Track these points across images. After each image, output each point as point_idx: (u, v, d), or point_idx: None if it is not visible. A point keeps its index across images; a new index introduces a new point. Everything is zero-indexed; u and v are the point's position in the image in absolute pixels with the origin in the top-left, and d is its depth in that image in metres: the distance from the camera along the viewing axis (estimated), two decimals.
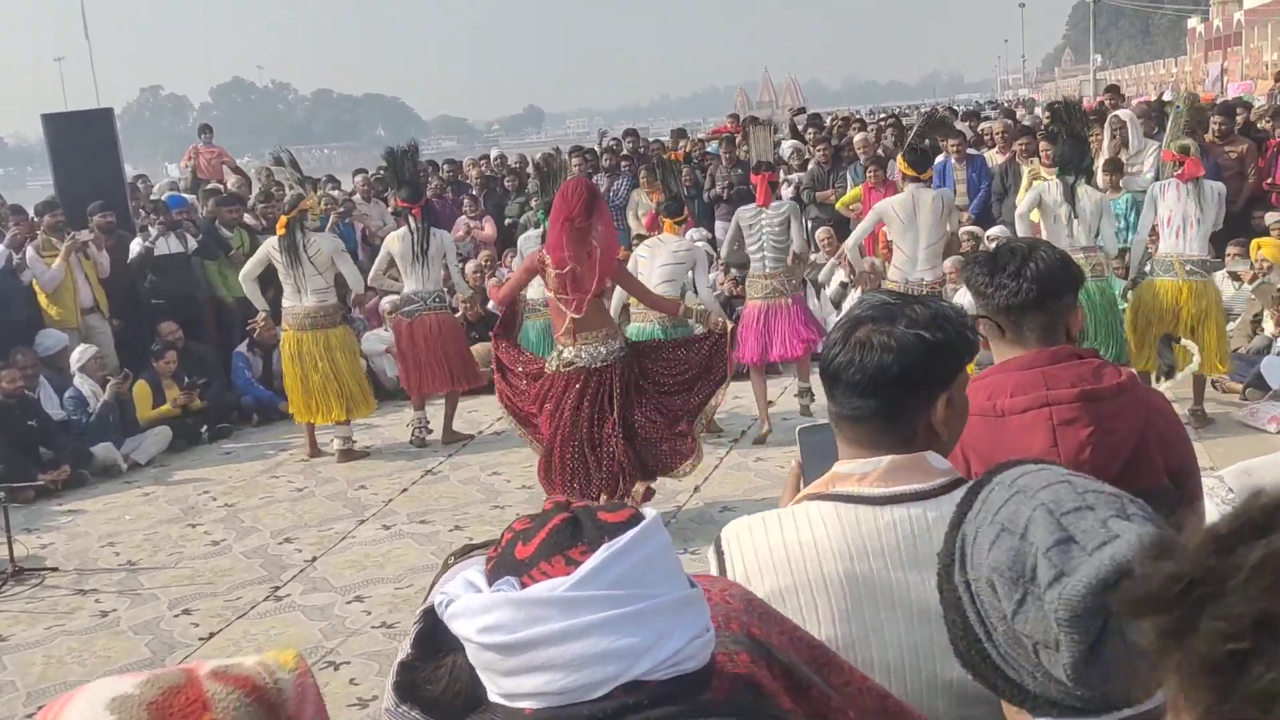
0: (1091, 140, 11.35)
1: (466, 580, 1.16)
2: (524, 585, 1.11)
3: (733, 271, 9.89)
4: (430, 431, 8.66)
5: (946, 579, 1.20)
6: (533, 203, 11.00)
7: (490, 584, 1.13)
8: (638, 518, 1.16)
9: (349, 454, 8.47)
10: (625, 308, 8.06)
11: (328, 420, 8.49)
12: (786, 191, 12.06)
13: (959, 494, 1.39)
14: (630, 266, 8.09)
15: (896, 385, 1.68)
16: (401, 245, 8.47)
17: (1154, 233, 7.88)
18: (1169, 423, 2.47)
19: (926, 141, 10.46)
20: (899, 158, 8.50)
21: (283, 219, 8.36)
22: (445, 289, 8.88)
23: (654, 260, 7.81)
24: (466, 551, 1.48)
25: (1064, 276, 2.47)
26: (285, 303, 8.41)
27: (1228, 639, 0.66)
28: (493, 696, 1.16)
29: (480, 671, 1.15)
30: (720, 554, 1.75)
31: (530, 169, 12.90)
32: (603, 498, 6.03)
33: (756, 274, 8.18)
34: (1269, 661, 0.65)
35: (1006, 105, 27.47)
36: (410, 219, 8.53)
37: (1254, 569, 0.67)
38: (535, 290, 7.75)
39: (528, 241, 8.71)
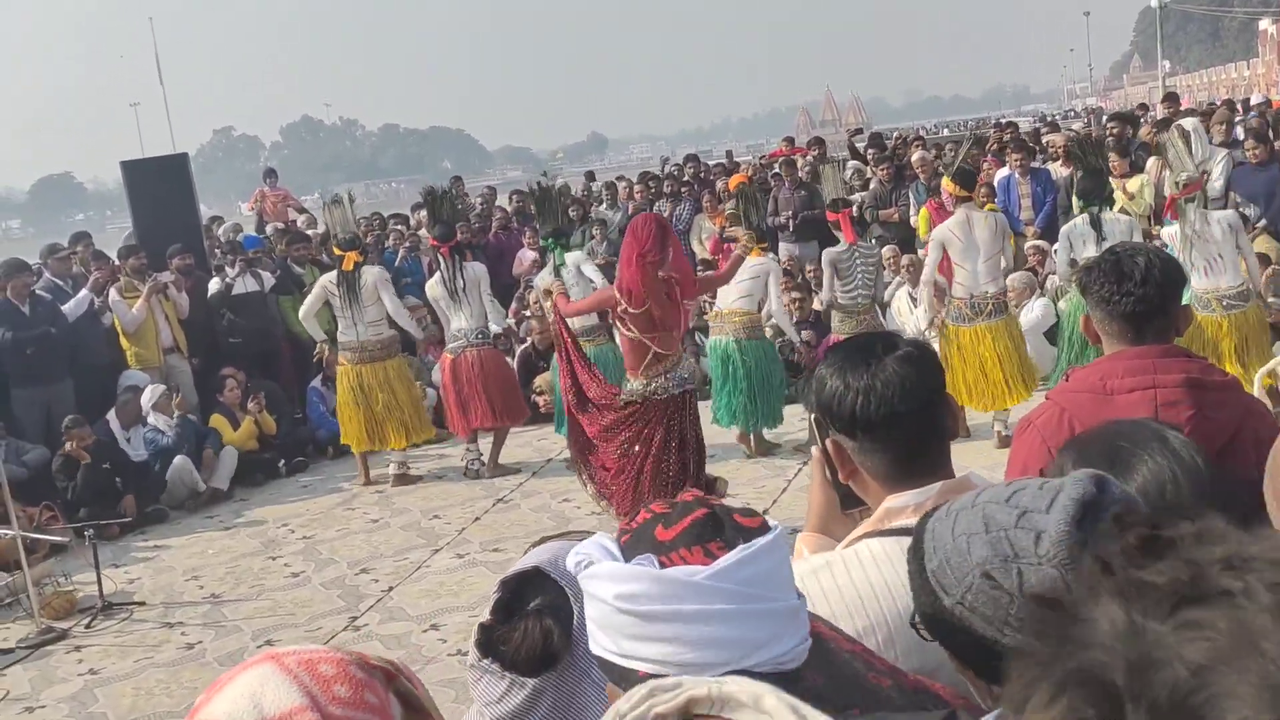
0: (1156, 151, 11.25)
1: (602, 546, 1.28)
2: (662, 565, 1.23)
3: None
4: (482, 463, 8.77)
5: (937, 614, 1.31)
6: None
7: (626, 556, 1.25)
8: (766, 528, 1.28)
9: (404, 479, 8.80)
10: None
11: (392, 447, 8.80)
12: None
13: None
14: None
15: (923, 404, 1.76)
16: (437, 288, 8.67)
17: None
18: (1266, 425, 2.57)
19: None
20: (945, 179, 8.66)
21: (353, 255, 8.61)
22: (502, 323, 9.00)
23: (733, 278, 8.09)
24: (543, 540, 1.66)
25: (1179, 278, 2.70)
26: (342, 337, 8.73)
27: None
28: (601, 652, 1.27)
29: (601, 629, 1.26)
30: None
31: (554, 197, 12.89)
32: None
33: (849, 310, 8.30)
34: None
35: (1051, 118, 27.21)
36: (439, 258, 8.71)
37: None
38: (577, 320, 7.97)
39: (543, 279, 8.74)
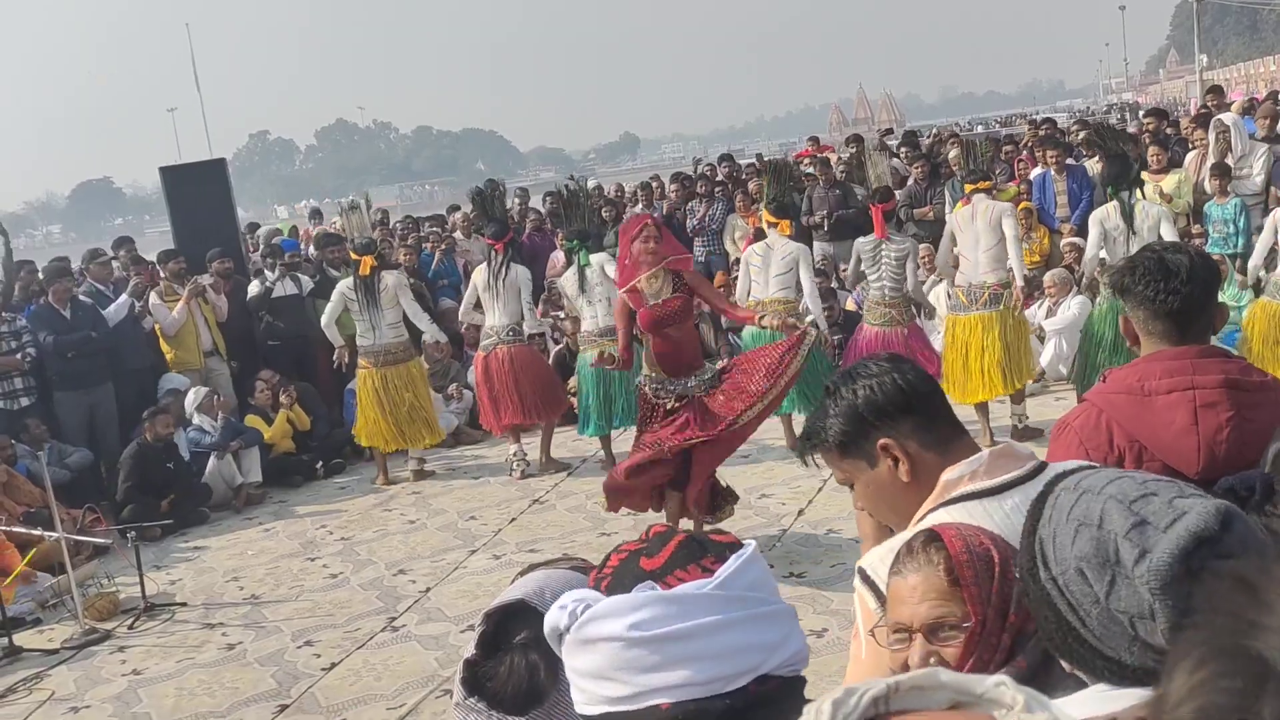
0: (1196, 145, 11.14)
1: (576, 597, 1.27)
2: (664, 588, 1.23)
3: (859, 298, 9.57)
4: (528, 464, 8.80)
5: (1033, 580, 1.33)
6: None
7: (626, 586, 1.25)
8: (739, 544, 1.30)
9: (421, 474, 9.08)
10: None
11: (419, 446, 9.03)
12: None
13: (1047, 474, 1.66)
14: (743, 273, 8.39)
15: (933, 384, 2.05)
16: (482, 277, 8.77)
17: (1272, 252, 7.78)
18: None
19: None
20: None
21: (369, 259, 8.77)
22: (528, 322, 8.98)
23: (768, 270, 8.27)
24: (531, 568, 1.64)
25: (1218, 277, 2.74)
26: (361, 341, 8.90)
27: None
28: (606, 705, 1.23)
29: (604, 678, 1.23)
30: (870, 583, 1.88)
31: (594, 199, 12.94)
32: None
33: (876, 301, 8.27)
34: None
35: (1080, 115, 27.04)
36: (493, 254, 8.79)
37: None
38: (590, 322, 8.31)
39: (566, 283, 8.79)
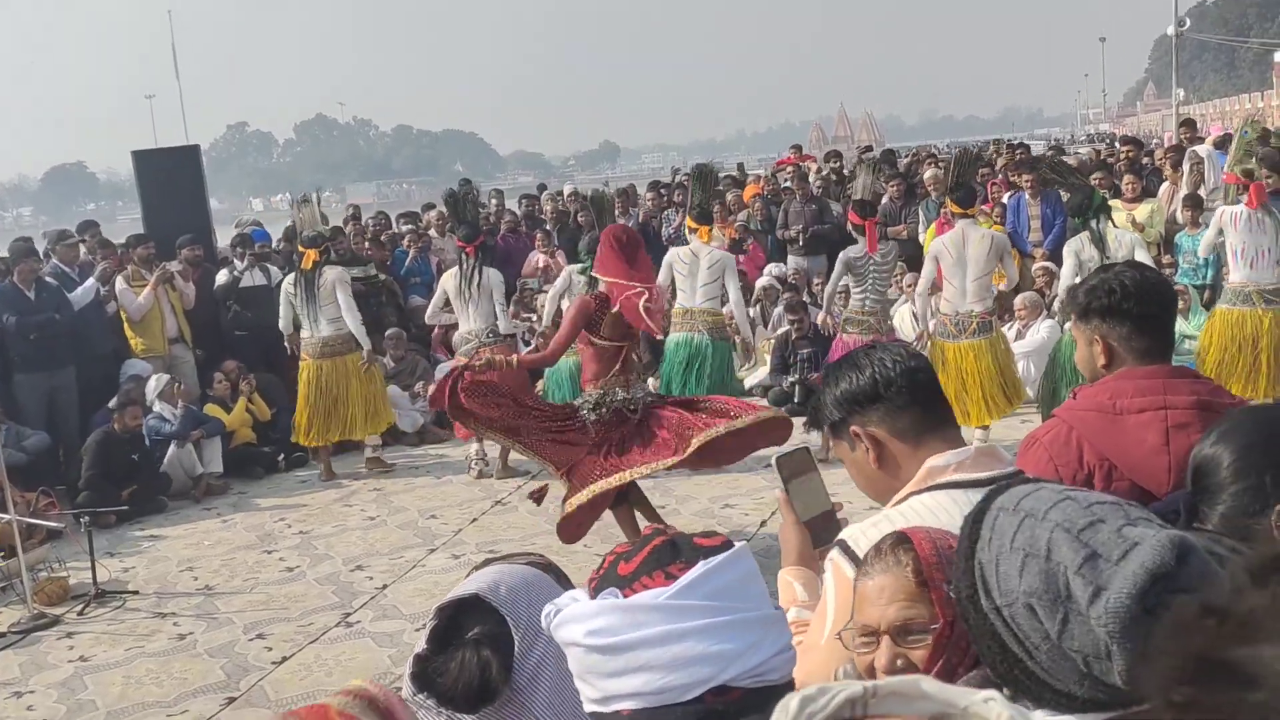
0: (1169, 178, 11.24)
1: (573, 597, 1.28)
2: (626, 596, 1.22)
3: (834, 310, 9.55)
4: (486, 464, 8.75)
5: (973, 607, 1.26)
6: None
7: (594, 597, 1.25)
8: (729, 544, 1.28)
9: (378, 462, 9.12)
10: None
11: (356, 438, 9.08)
12: None
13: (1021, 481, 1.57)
14: (665, 271, 8.44)
15: (932, 374, 2.05)
16: (454, 283, 8.71)
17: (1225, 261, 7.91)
18: None
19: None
20: (946, 198, 8.71)
21: (313, 254, 8.78)
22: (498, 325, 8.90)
23: (695, 276, 8.40)
24: (487, 562, 1.60)
25: (1175, 298, 2.83)
26: (303, 334, 8.89)
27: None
28: (588, 706, 1.25)
29: (580, 679, 1.25)
30: (849, 553, 1.88)
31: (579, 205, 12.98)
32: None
33: (857, 310, 8.25)
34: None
35: (1056, 141, 27.28)
36: (463, 256, 8.74)
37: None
38: None
39: (553, 297, 8.83)
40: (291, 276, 8.91)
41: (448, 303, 8.91)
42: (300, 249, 8.95)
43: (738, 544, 1.29)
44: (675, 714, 1.19)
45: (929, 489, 1.89)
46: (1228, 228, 7.66)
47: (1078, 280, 7.69)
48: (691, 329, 8.40)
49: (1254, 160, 7.78)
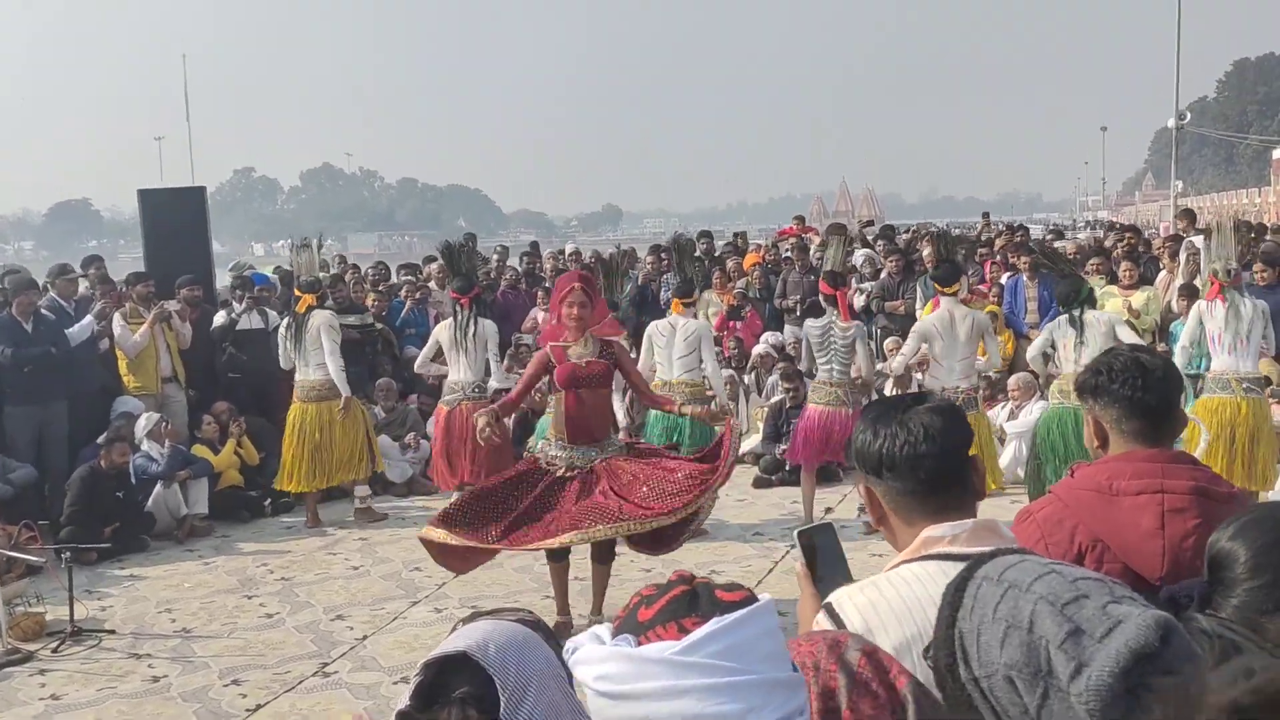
0: (1167, 266, 11.33)
1: (595, 634, 1.30)
2: (639, 644, 1.24)
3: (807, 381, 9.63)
4: None
5: (951, 677, 1.27)
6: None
7: (617, 634, 1.28)
8: (752, 599, 1.29)
9: (368, 512, 9.04)
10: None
11: (336, 483, 9.07)
12: (858, 300, 12.14)
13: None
14: (646, 348, 8.48)
15: (945, 449, 1.92)
16: (448, 333, 8.74)
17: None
18: None
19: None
20: (929, 277, 8.85)
21: (308, 298, 8.90)
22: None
23: (672, 348, 8.46)
24: (475, 616, 1.57)
25: (1181, 378, 2.81)
26: (296, 376, 8.99)
27: None
28: None
29: (596, 714, 1.27)
30: (834, 616, 1.88)
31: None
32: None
33: (822, 381, 8.34)
34: None
35: (1055, 226, 27.63)
36: (458, 308, 8.78)
37: None
38: None
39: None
40: (286, 319, 8.98)
41: (439, 353, 8.94)
42: (296, 293, 9.02)
43: (762, 598, 1.30)
44: None
45: (921, 558, 1.88)
46: (1206, 317, 7.85)
47: (1050, 366, 7.87)
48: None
49: (1222, 263, 7.95)
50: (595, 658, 1.24)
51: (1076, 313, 7.78)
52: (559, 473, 6.22)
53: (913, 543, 1.92)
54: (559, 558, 6.38)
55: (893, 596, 1.83)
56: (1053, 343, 7.87)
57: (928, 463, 1.91)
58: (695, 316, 9.14)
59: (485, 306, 9.65)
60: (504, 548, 6.22)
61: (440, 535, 6.17)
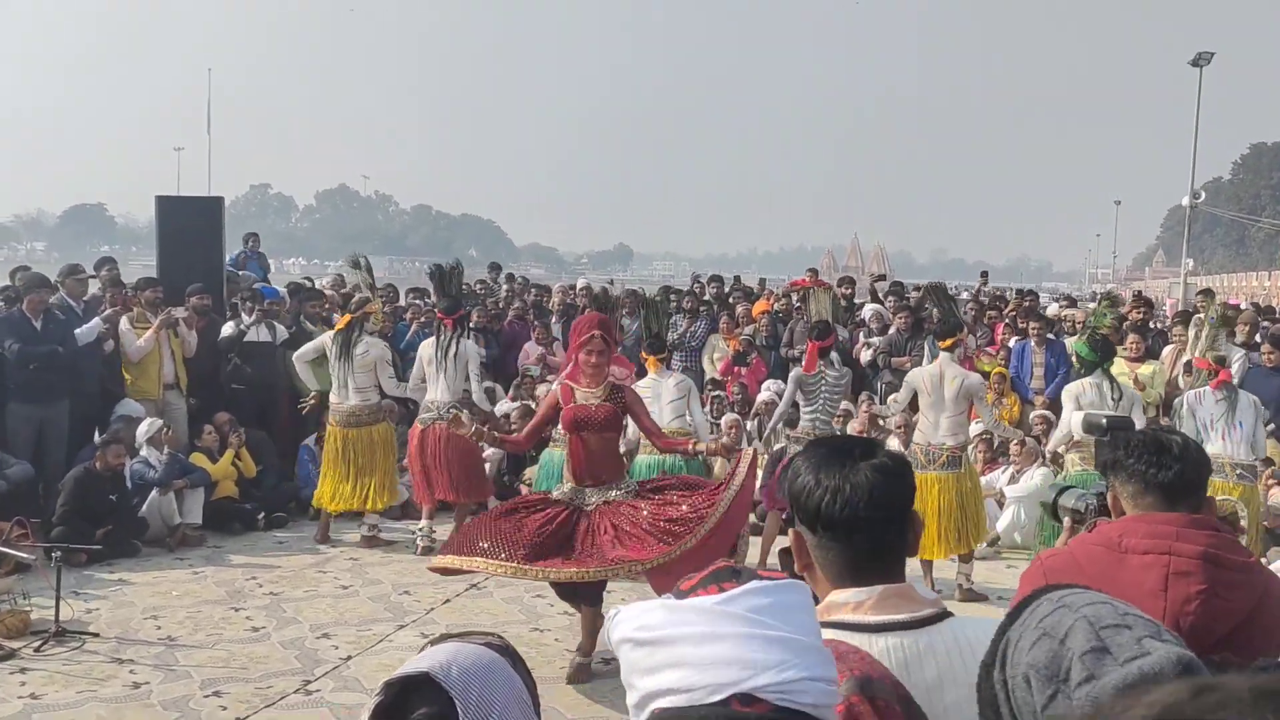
0: (1175, 340, 11.34)
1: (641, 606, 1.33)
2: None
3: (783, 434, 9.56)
4: (434, 542, 8.69)
5: (985, 678, 1.31)
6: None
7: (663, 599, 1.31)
8: (786, 580, 1.33)
9: (373, 540, 8.98)
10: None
11: (367, 509, 8.98)
12: (865, 355, 12.15)
13: (946, 626, 1.67)
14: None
15: (886, 515, 1.81)
16: (429, 351, 8.83)
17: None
18: None
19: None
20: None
21: (346, 316, 8.97)
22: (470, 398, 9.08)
23: (661, 400, 8.37)
24: (444, 638, 1.56)
25: (1208, 461, 2.73)
26: (332, 399, 8.98)
27: None
28: (631, 716, 1.29)
29: (628, 682, 1.28)
30: None
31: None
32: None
33: (805, 430, 8.31)
34: None
35: (1066, 296, 27.73)
36: (441, 329, 8.86)
37: None
38: None
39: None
40: (333, 335, 9.01)
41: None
42: (348, 313, 9.13)
43: (795, 583, 1.34)
44: (701, 713, 1.21)
45: (822, 625, 1.77)
46: (1195, 408, 7.93)
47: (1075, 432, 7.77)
48: (653, 451, 8.14)
49: (1222, 346, 8.03)
50: (636, 611, 1.28)
51: (1105, 368, 7.82)
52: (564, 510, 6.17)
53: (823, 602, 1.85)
54: (592, 601, 6.30)
55: None
56: (1079, 405, 7.74)
57: (865, 528, 1.79)
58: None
59: (465, 327, 9.66)
60: (520, 568, 6.07)
61: (456, 562, 6.12)
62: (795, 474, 1.88)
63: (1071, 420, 7.74)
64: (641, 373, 8.87)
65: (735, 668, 1.21)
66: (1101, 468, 2.72)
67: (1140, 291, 20.35)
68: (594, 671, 6.24)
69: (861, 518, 1.78)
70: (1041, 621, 1.27)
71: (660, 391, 8.48)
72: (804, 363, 8.33)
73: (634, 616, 1.28)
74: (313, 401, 9.39)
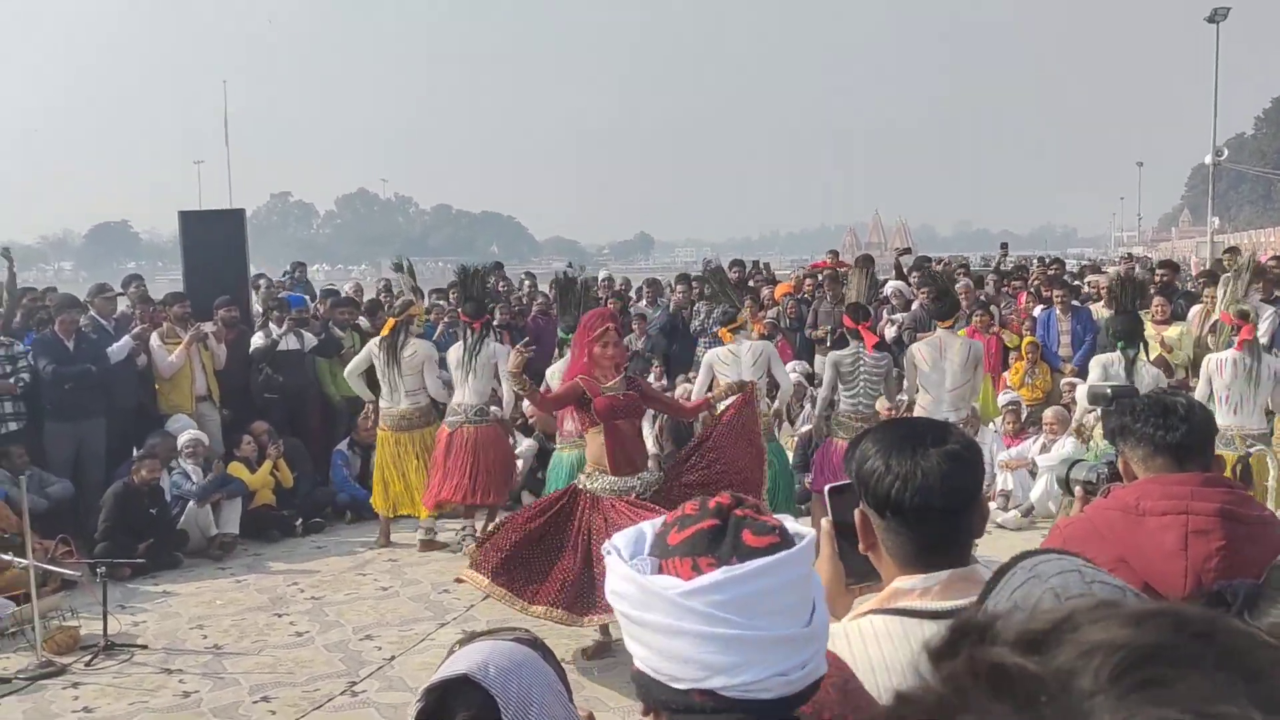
0: (1206, 297, 11.26)
1: (640, 529, 1.30)
2: (659, 569, 1.24)
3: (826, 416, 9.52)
4: (435, 534, 8.94)
5: None
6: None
7: (652, 547, 1.27)
8: (783, 545, 1.23)
9: (431, 544, 8.94)
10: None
11: (417, 513, 8.94)
12: (890, 332, 12.12)
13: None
14: (705, 380, 8.32)
15: (957, 503, 1.78)
16: (456, 355, 8.87)
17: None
18: None
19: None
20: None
21: (391, 320, 9.00)
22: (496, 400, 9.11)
23: (742, 367, 8.15)
24: (471, 638, 1.58)
25: (1213, 421, 2.78)
26: (382, 404, 9.03)
27: None
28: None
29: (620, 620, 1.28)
30: None
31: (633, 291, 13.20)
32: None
33: (848, 414, 8.17)
34: None
35: (1091, 261, 27.57)
36: (468, 332, 8.91)
37: None
38: (572, 423, 7.88)
39: (552, 373, 8.90)
40: (378, 341, 9.08)
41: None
42: (392, 317, 9.20)
43: (799, 542, 1.24)
44: (663, 694, 1.22)
45: (886, 611, 1.80)
46: (1214, 375, 7.79)
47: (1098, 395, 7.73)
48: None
49: (1250, 300, 7.90)
50: (619, 571, 1.25)
51: (1132, 353, 7.73)
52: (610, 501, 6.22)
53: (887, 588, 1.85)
54: None
55: (847, 657, 1.73)
56: (1105, 375, 7.68)
57: (934, 516, 1.77)
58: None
59: (491, 330, 9.70)
60: (536, 606, 6.22)
61: (484, 584, 6.25)
62: (865, 457, 1.84)
63: (1077, 392, 7.71)
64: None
65: (691, 667, 1.18)
66: (1110, 435, 2.75)
67: (1155, 262, 20.16)
68: (613, 650, 6.31)
69: (933, 506, 1.76)
70: (1014, 593, 1.29)
71: (739, 366, 8.29)
72: (865, 344, 8.19)
73: (616, 573, 1.25)
74: (370, 414, 9.44)
